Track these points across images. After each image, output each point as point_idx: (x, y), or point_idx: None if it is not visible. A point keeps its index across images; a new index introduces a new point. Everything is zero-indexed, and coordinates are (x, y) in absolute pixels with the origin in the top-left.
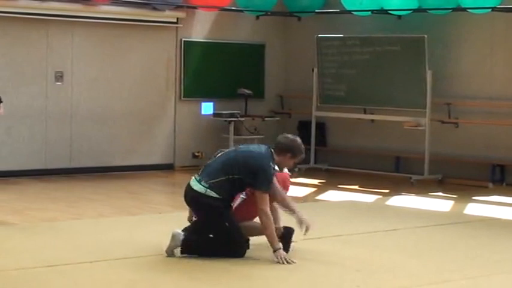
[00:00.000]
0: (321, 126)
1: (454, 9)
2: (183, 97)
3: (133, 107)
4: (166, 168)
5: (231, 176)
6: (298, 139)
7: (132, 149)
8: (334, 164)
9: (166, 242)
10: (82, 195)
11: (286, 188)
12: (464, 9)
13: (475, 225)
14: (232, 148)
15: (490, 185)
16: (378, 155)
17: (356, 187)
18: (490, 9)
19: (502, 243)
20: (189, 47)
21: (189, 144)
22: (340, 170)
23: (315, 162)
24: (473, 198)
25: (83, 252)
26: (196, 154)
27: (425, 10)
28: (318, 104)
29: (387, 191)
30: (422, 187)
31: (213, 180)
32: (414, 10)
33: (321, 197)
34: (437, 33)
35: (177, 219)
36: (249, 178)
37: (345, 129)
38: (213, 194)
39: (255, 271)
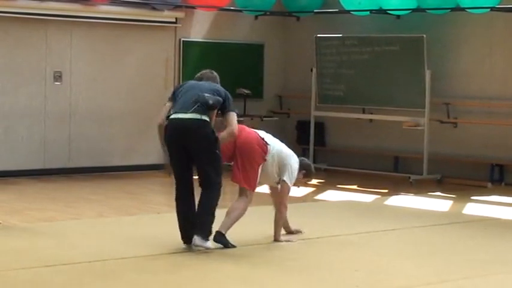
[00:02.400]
0: (319, 126)
1: (453, 9)
2: None
3: (132, 107)
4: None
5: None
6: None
7: (130, 149)
8: (333, 164)
9: (165, 242)
10: (81, 195)
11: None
12: (463, 9)
13: (474, 225)
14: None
15: (489, 184)
16: (376, 154)
17: (355, 187)
18: (488, 9)
19: (501, 244)
20: (187, 47)
21: None
22: (339, 170)
23: (314, 162)
24: (472, 198)
25: (81, 252)
26: None
27: (424, 10)
28: (317, 104)
29: (386, 190)
30: (421, 187)
31: (196, 106)
32: (413, 10)
33: (319, 197)
34: (436, 33)
35: (176, 219)
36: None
37: (344, 129)
38: (207, 118)
39: (254, 271)
